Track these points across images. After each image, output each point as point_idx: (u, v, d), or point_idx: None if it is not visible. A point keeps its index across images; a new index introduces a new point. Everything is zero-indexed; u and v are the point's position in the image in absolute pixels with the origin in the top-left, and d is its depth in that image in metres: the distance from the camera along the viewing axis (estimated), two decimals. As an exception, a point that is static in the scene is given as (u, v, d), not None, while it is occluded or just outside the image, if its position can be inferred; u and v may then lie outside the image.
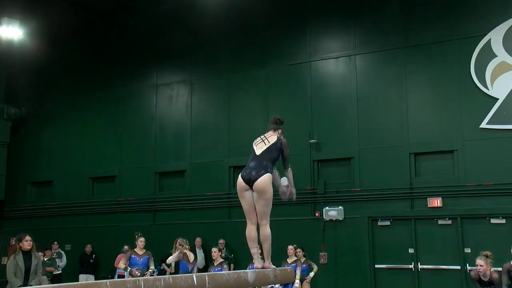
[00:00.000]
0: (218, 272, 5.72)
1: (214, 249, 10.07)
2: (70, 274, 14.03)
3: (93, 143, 16.14)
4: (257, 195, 4.93)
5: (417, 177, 12.00)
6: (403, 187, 12.02)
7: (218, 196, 14.08)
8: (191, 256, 9.83)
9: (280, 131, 5.37)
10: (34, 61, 16.67)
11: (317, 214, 12.85)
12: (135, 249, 9.97)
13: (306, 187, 12.96)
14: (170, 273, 10.77)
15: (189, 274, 4.78)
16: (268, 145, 5.16)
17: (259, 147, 5.20)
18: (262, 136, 5.32)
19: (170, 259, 9.86)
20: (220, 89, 14.65)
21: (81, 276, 14.20)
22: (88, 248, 14.67)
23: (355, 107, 12.86)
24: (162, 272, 11.28)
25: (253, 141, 5.32)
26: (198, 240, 13.12)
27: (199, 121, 14.78)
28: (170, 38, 15.47)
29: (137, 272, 9.45)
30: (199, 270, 11.36)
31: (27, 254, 7.39)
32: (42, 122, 17.18)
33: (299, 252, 10.68)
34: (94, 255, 14.67)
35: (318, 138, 13.05)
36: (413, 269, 11.70)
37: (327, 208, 12.74)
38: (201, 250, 13.08)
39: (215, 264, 9.63)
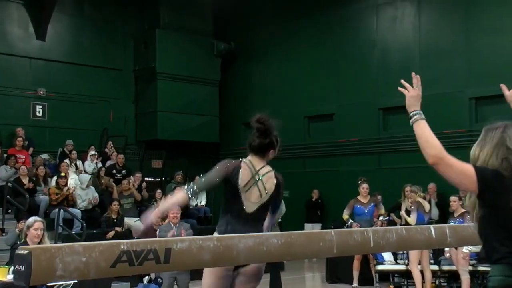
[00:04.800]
0: (460, 224, 5.64)
1: (453, 198, 9.90)
2: (294, 222, 14.96)
3: (307, 77, 16.78)
4: (244, 279, 4.15)
5: None
6: None
7: (457, 133, 13.77)
8: (426, 205, 9.87)
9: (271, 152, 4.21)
10: (241, -11, 17.71)
11: None
12: (358, 197, 10.29)
13: None
14: (400, 224, 10.86)
15: (426, 226, 4.84)
16: (266, 196, 4.16)
17: (252, 197, 4.16)
18: (251, 169, 4.18)
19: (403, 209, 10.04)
20: (456, 3, 14.29)
21: (307, 225, 15.11)
22: (316, 193, 15.36)
23: None
24: (391, 223, 11.50)
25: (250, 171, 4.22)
26: (432, 187, 13.06)
27: (430, 45, 14.62)
28: None
29: (356, 227, 9.64)
30: (435, 222, 11.35)
31: None
32: (252, 57, 18.23)
33: None
34: (320, 201, 15.41)
35: None
36: None
37: None
38: (436, 199, 13.00)
39: (455, 215, 9.52)
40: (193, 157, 17.60)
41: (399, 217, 11.26)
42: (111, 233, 11.55)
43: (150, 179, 16.02)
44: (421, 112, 2.94)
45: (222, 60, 18.51)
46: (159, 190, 13.69)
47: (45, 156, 14.45)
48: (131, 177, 13.70)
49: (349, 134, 15.85)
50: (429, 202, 11.39)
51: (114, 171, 13.84)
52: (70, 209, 12.02)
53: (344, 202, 11.59)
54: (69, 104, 16.42)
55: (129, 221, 12.56)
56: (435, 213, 12.19)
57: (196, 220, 13.96)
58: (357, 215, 10.18)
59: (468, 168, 2.72)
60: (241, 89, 18.39)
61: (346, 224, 10.19)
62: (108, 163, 14.72)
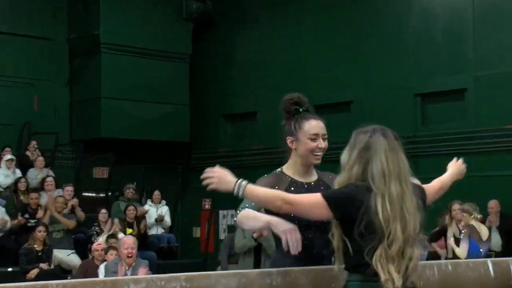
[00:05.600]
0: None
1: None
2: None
3: (315, 52, 16.86)
4: None
5: None
6: None
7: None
8: (482, 231, 9.88)
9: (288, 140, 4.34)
10: None
11: None
12: None
13: None
14: (446, 258, 11.04)
15: (481, 260, 5.18)
16: None
17: None
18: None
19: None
20: None
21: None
22: None
23: None
24: (433, 256, 11.57)
25: None
26: (493, 204, 13.09)
27: (488, 8, 14.85)
28: None
29: None
30: (496, 254, 11.40)
31: None
32: (238, 22, 18.25)
33: None
34: None
35: None
36: None
37: None
38: (499, 221, 13.00)
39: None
40: (152, 164, 17.60)
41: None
42: (34, 272, 11.58)
43: (90, 194, 16.19)
44: (240, 180, 3.64)
45: (195, 26, 18.55)
46: (103, 210, 13.74)
47: None
48: (62, 190, 13.58)
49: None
50: (488, 226, 11.32)
51: (27, 215, 13.20)
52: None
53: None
54: (-27, 87, 16.53)
55: (60, 254, 12.61)
56: (496, 242, 12.29)
57: (156, 252, 14.02)
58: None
59: (317, 198, 3.58)
60: (221, 67, 18.44)
61: None
62: (30, 175, 14.59)
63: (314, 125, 4.19)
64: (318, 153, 4.20)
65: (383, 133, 3.62)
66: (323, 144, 4.20)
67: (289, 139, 4.22)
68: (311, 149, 4.18)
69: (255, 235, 8.81)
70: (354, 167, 3.57)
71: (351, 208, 3.46)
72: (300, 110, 4.23)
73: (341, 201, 3.50)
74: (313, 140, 4.18)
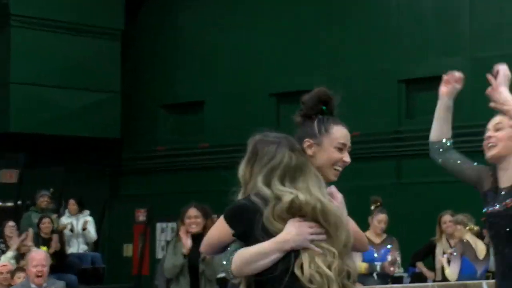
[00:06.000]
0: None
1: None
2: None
3: (274, 31, 17.03)
4: None
5: None
6: None
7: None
8: (479, 247, 10.05)
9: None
10: None
11: None
12: (367, 233, 10.33)
13: None
14: (434, 280, 11.28)
15: (476, 282, 5.73)
16: None
17: None
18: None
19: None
20: None
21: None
22: None
23: None
24: (419, 278, 11.67)
25: None
26: None
27: None
28: None
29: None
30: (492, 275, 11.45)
31: (195, 241, 8.27)
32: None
33: None
34: None
35: None
36: None
37: None
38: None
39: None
40: (74, 165, 17.61)
41: (433, 267, 11.47)
42: None
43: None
44: None
45: (128, -3, 18.59)
46: (11, 223, 13.69)
47: None
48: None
49: (346, 124, 15.78)
50: (487, 242, 11.39)
51: None
52: None
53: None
54: None
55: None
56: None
57: (78, 274, 14.04)
58: (367, 260, 10.51)
59: (221, 224, 3.76)
60: (161, 47, 18.55)
61: (374, 272, 10.48)
62: None
63: (344, 133, 4.03)
64: (340, 168, 4.04)
65: (291, 147, 3.72)
66: (348, 158, 4.04)
67: (307, 142, 3.99)
68: (334, 161, 4.01)
69: (184, 251, 8.81)
70: (257, 184, 3.66)
71: (250, 219, 3.62)
72: (326, 111, 4.08)
73: (238, 213, 3.67)
74: (340, 150, 4.02)
